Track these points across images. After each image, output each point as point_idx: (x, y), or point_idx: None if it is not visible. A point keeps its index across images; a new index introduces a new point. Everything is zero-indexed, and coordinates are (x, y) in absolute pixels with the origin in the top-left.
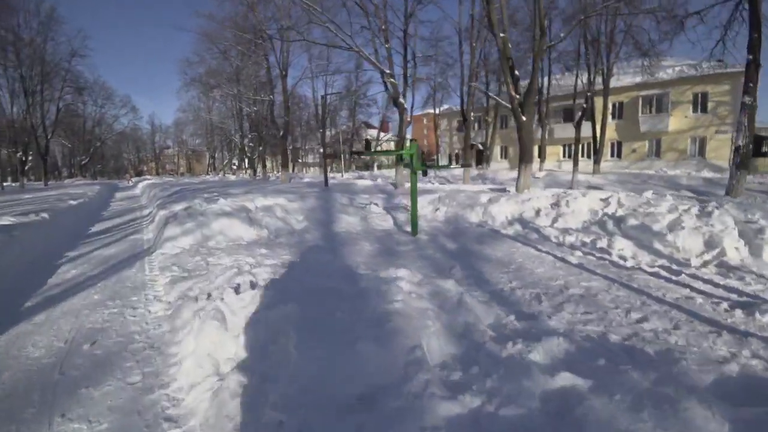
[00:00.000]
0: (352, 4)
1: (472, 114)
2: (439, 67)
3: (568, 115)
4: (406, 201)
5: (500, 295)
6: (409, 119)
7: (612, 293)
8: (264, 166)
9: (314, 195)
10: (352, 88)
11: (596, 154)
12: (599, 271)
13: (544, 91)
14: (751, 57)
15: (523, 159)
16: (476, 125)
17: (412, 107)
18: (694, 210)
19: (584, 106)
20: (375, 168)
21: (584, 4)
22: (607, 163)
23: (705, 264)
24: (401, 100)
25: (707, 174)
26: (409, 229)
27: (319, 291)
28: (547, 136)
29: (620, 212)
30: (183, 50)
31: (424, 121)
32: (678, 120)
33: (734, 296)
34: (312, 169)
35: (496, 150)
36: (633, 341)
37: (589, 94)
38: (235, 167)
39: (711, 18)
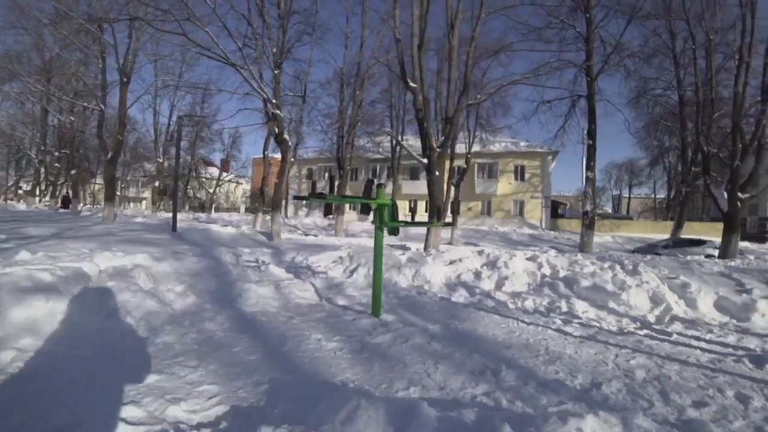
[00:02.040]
0: (239, 16)
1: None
2: (296, 109)
3: (414, 173)
4: (302, 258)
5: (603, 405)
6: (292, 159)
7: (667, 370)
8: (75, 196)
9: (185, 249)
10: (196, 116)
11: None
12: (611, 341)
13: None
14: (590, 142)
15: (434, 215)
16: (325, 174)
17: (296, 147)
18: (618, 268)
19: (465, 167)
20: (213, 210)
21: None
22: (448, 218)
23: (659, 320)
24: (285, 136)
25: (527, 230)
26: (342, 302)
27: None
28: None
29: (564, 273)
30: None
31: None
32: (504, 185)
33: (731, 350)
34: (132, 204)
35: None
36: None
37: (469, 155)
38: (22, 192)
39: (558, 108)
